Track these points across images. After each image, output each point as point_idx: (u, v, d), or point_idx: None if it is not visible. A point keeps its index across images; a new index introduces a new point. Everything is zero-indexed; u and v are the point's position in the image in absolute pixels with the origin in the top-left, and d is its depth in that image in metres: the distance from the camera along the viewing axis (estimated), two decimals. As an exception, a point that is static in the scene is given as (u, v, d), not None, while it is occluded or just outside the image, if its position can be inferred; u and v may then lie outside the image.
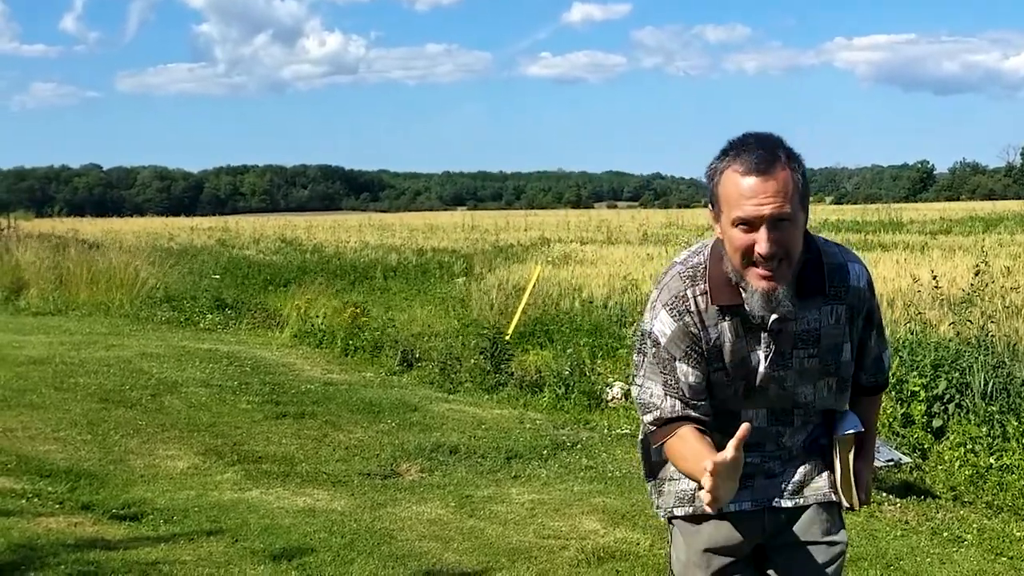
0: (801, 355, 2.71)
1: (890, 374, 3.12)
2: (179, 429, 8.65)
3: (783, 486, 2.84)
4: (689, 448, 2.66)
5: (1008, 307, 10.90)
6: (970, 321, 9.21)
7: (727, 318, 2.67)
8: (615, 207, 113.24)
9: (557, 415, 9.79)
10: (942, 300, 11.22)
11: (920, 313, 10.22)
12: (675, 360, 2.70)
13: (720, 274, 2.66)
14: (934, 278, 10.55)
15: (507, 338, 12.41)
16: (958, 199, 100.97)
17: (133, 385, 10.32)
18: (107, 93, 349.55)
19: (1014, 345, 9.16)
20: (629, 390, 10.22)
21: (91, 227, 43.11)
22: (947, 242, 26.75)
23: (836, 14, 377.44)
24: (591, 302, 15.26)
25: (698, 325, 2.67)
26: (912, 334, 9.31)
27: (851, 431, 2.82)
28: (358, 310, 14.90)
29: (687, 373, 2.70)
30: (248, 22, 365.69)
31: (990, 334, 8.94)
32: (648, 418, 2.77)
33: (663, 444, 2.76)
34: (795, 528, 2.85)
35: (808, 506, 2.85)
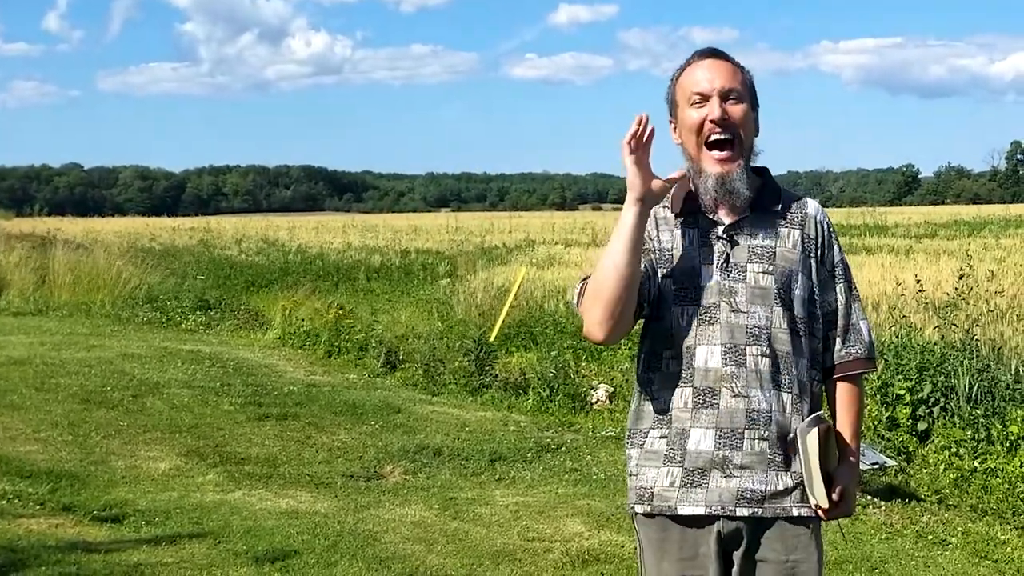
0: (756, 269, 2.74)
1: (876, 353, 2.97)
2: (161, 430, 8.60)
3: (740, 491, 2.71)
4: (607, 246, 2.71)
5: (992, 311, 10.92)
6: (955, 325, 9.23)
7: (683, 227, 2.79)
8: (600, 209, 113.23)
9: (541, 417, 9.77)
10: (927, 304, 11.23)
11: (905, 317, 10.23)
12: None
13: (684, 187, 2.81)
14: (918, 282, 10.57)
15: (491, 340, 12.39)
16: (943, 203, 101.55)
17: (115, 386, 10.25)
18: (89, 92, 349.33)
19: (999, 348, 9.18)
20: (614, 391, 10.23)
21: (72, 227, 42.82)
22: (932, 246, 26.82)
23: (823, 18, 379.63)
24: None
25: (650, 224, 2.79)
26: (897, 337, 9.31)
27: (810, 423, 2.67)
28: (341, 311, 14.85)
29: None
30: (233, 22, 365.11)
31: (975, 338, 8.96)
32: (577, 288, 2.85)
33: (586, 292, 2.76)
34: (760, 544, 2.73)
35: (769, 519, 2.72)
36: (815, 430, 2.67)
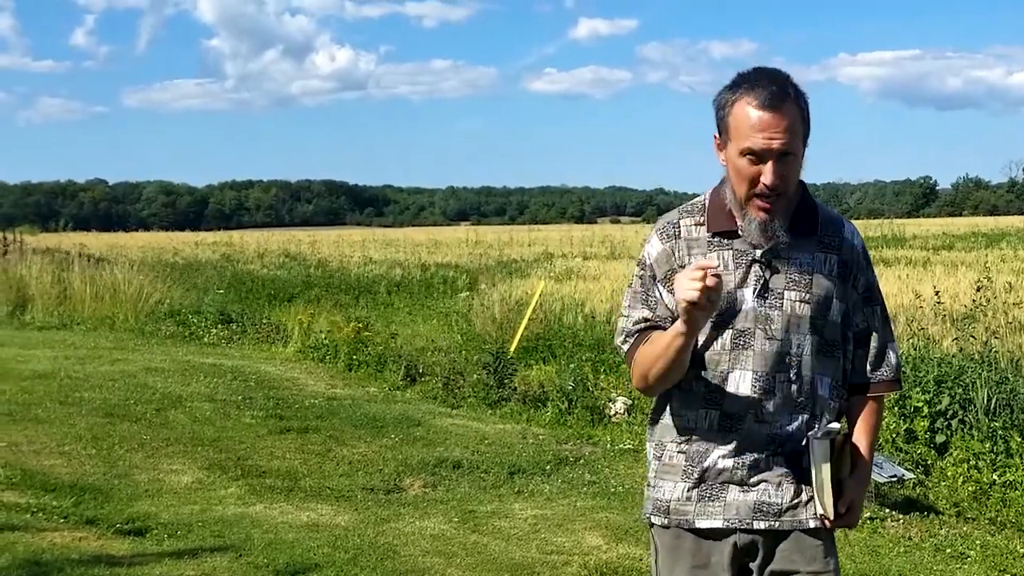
0: (792, 297, 2.73)
1: (902, 375, 3.00)
2: (183, 444, 8.67)
3: (757, 504, 2.77)
4: (659, 339, 2.72)
5: (1011, 323, 10.91)
6: (973, 337, 9.22)
7: (718, 249, 2.76)
8: (618, 222, 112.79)
9: (560, 430, 9.79)
10: (945, 316, 11.23)
11: (923, 328, 10.23)
12: (655, 280, 2.82)
13: (719, 203, 2.79)
14: (937, 294, 10.55)
15: (510, 353, 12.42)
16: (961, 215, 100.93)
17: (138, 400, 10.34)
18: (114, 108, 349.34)
19: (1017, 361, 9.16)
20: (632, 404, 10.25)
21: (96, 242, 43.10)
22: (950, 258, 26.75)
23: (841, 30, 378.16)
24: (594, 317, 15.26)
25: (681, 250, 2.79)
26: (915, 349, 9.31)
27: (823, 433, 2.71)
28: (361, 325, 14.91)
29: (664, 295, 2.79)
30: (258, 38, 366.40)
31: (993, 350, 8.95)
32: (619, 340, 2.87)
33: (634, 360, 2.81)
34: (776, 556, 2.79)
35: (785, 531, 2.78)
36: (827, 441, 2.71)
